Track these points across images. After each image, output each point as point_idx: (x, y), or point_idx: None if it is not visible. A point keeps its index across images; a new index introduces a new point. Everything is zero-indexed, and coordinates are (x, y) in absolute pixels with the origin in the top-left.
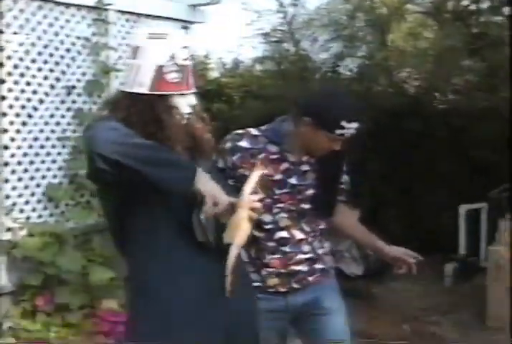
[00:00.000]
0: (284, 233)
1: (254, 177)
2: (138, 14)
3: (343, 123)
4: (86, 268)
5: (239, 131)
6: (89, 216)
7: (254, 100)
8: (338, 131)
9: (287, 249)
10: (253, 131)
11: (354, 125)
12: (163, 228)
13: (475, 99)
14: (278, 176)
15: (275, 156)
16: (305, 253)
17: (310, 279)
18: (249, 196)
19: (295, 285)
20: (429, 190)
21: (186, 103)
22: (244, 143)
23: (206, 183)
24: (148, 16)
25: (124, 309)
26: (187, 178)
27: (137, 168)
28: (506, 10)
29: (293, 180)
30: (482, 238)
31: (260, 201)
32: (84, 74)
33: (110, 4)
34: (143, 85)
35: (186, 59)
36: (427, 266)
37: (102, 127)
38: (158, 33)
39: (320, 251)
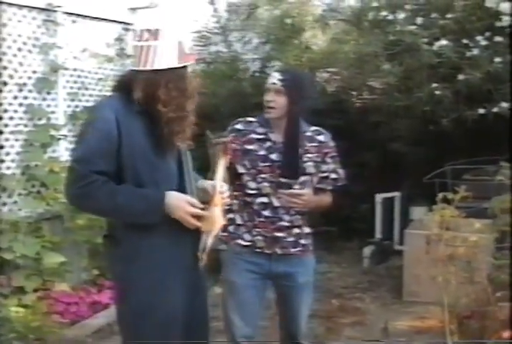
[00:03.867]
0: (264, 199)
1: (220, 170)
2: (84, 16)
3: (272, 73)
4: (39, 253)
5: (240, 118)
6: (40, 205)
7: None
8: (268, 80)
9: (267, 213)
10: (250, 118)
11: (276, 74)
12: None
13: (392, 99)
14: (262, 152)
15: (260, 136)
16: (285, 221)
17: (293, 250)
18: (219, 192)
19: (279, 251)
20: (349, 180)
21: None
22: (238, 126)
23: (174, 210)
24: (92, 18)
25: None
26: (151, 211)
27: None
28: (419, 20)
29: (274, 157)
30: (396, 223)
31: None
32: (34, 72)
33: (59, 6)
34: (169, 62)
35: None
36: (347, 250)
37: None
38: (169, 16)
39: (303, 229)
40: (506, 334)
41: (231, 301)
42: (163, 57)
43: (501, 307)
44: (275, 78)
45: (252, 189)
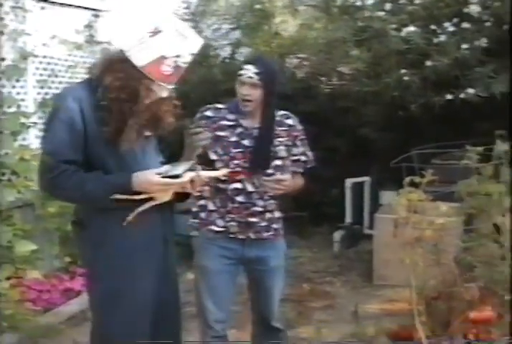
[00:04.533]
0: (238, 185)
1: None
2: (52, 2)
3: (242, 66)
4: (10, 241)
5: (208, 105)
6: (11, 193)
7: None
8: (238, 72)
9: (240, 199)
10: (218, 105)
11: (250, 67)
12: None
13: (361, 85)
14: (233, 138)
15: (231, 123)
16: (259, 206)
17: (265, 235)
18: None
19: (252, 236)
20: (319, 165)
21: (163, 89)
22: (208, 113)
23: (143, 185)
24: (61, 4)
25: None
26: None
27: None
28: (387, 6)
29: (245, 142)
30: (366, 208)
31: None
32: (3, 59)
33: None
34: (142, 61)
35: (185, 63)
36: (317, 235)
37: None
38: (183, 33)
39: (275, 213)
40: (471, 314)
41: (203, 286)
42: (138, 53)
43: (467, 287)
44: (250, 71)
45: (225, 175)
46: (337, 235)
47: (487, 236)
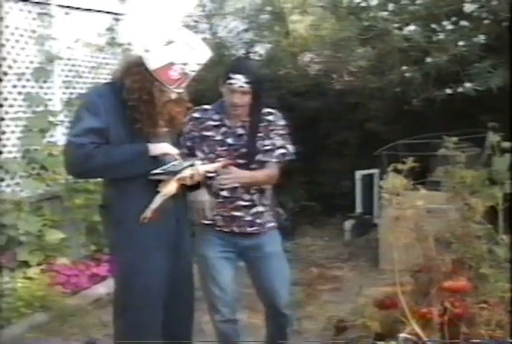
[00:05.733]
0: None
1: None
2: (76, 8)
3: (230, 75)
4: (41, 230)
5: (196, 107)
6: (40, 186)
7: None
8: (227, 81)
9: (225, 193)
10: (206, 106)
11: (240, 76)
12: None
13: (367, 81)
14: (218, 137)
15: (216, 123)
16: (244, 200)
17: (249, 229)
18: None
19: (236, 229)
20: (330, 159)
21: (172, 92)
22: (196, 114)
23: (157, 148)
24: (84, 9)
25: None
26: (142, 156)
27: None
28: (390, 6)
29: (230, 141)
30: (375, 199)
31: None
32: (32, 62)
33: None
34: (154, 65)
35: (192, 71)
36: (329, 225)
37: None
38: (192, 45)
39: (260, 208)
40: (446, 283)
41: (205, 273)
42: (151, 57)
43: (443, 260)
44: (240, 81)
45: (211, 172)
46: (348, 224)
47: (463, 216)
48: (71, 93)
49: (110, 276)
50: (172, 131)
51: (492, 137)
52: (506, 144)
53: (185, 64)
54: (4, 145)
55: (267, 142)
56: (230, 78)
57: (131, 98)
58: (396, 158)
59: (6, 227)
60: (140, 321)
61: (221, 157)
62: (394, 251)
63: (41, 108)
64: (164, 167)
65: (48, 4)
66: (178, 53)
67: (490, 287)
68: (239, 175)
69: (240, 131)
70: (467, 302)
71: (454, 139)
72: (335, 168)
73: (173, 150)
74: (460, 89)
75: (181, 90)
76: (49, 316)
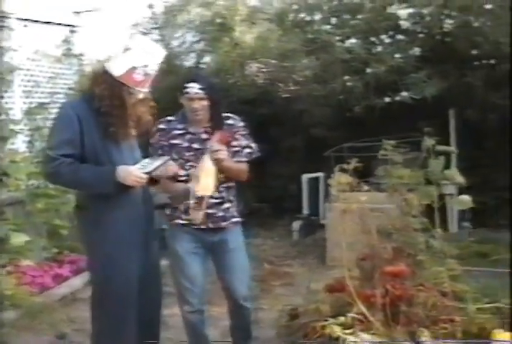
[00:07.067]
0: None
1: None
2: (33, 21)
3: (186, 84)
4: (6, 234)
5: (161, 119)
6: (2, 191)
7: None
8: (184, 91)
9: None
10: (169, 118)
11: (194, 84)
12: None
13: (312, 90)
14: (185, 144)
15: (181, 131)
16: (215, 198)
17: (223, 224)
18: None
19: (211, 225)
20: (278, 163)
21: (139, 93)
22: (162, 126)
23: (124, 176)
24: (42, 22)
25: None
26: (106, 181)
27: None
28: (333, 20)
29: (196, 146)
30: (321, 200)
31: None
32: None
33: (12, 13)
34: (118, 72)
35: (153, 70)
36: (279, 226)
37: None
38: (148, 48)
39: (228, 204)
40: (388, 268)
41: (177, 268)
42: (115, 64)
43: (385, 248)
44: (195, 88)
45: (182, 176)
46: (295, 225)
47: (402, 211)
48: (30, 102)
49: (72, 277)
50: (139, 132)
51: (428, 141)
52: (440, 147)
53: (145, 66)
54: None
55: (233, 143)
56: (186, 87)
57: (104, 104)
58: (342, 160)
59: None
60: (119, 311)
61: (190, 161)
62: (342, 240)
63: (2, 117)
64: (139, 165)
65: (7, 18)
66: (137, 57)
67: (426, 273)
68: (226, 154)
69: (204, 136)
70: (406, 285)
71: (392, 142)
72: (284, 171)
73: (137, 172)
74: (397, 98)
75: (146, 90)
76: (18, 313)
